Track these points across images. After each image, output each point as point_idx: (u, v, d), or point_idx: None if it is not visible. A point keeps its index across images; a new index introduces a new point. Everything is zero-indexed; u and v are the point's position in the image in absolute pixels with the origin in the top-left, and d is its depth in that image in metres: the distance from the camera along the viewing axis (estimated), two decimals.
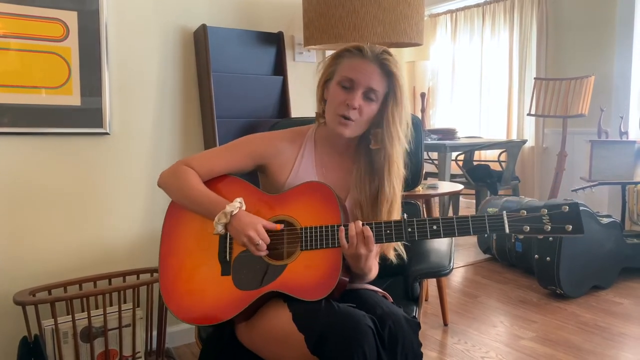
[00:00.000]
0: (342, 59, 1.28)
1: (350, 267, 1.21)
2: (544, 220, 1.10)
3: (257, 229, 1.18)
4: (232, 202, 1.22)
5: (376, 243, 1.18)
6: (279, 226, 1.22)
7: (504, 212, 1.12)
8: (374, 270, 1.28)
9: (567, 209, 1.09)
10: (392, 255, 1.31)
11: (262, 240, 1.18)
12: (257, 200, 1.28)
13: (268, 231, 1.21)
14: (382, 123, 1.27)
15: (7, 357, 1.83)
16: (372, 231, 1.17)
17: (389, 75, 1.25)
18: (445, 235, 1.15)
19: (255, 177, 1.44)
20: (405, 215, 1.19)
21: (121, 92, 2.02)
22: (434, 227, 1.15)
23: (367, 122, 1.27)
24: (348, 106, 1.23)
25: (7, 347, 1.82)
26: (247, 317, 1.21)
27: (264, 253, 1.20)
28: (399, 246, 1.32)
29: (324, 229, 1.19)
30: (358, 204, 1.30)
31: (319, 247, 1.19)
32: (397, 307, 1.23)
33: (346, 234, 1.16)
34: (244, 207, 1.23)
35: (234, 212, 1.20)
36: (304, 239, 1.20)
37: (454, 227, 1.14)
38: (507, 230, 1.11)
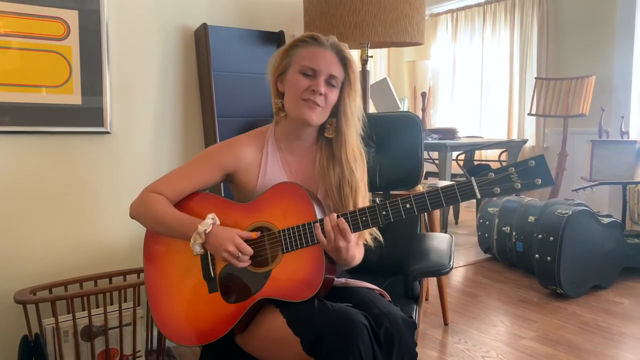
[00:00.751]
0: (296, 49, 1.28)
1: (333, 260, 1.21)
2: (513, 179, 1.09)
3: (235, 242, 1.17)
4: (204, 220, 1.20)
5: (354, 232, 1.18)
6: (255, 234, 1.21)
7: (473, 177, 1.11)
8: (357, 257, 1.28)
9: (534, 164, 1.08)
10: (369, 239, 1.31)
11: (243, 253, 1.17)
12: (230, 212, 1.27)
13: (248, 240, 1.20)
14: (338, 110, 1.29)
15: (7, 356, 1.83)
16: (348, 221, 1.16)
17: (345, 62, 1.27)
18: (420, 212, 1.14)
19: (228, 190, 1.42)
20: (377, 200, 1.19)
21: (122, 91, 2.02)
22: (407, 206, 1.14)
23: (330, 109, 1.28)
24: (314, 92, 1.23)
25: (8, 346, 1.82)
26: (243, 328, 1.22)
27: (247, 264, 1.19)
28: (374, 229, 1.31)
29: (301, 228, 1.19)
30: (327, 194, 1.31)
31: (299, 247, 1.19)
32: (394, 306, 1.23)
33: (323, 229, 1.16)
34: (217, 222, 1.21)
35: (208, 230, 1.18)
36: (283, 241, 1.20)
37: (426, 202, 1.13)
38: (479, 195, 1.10)
